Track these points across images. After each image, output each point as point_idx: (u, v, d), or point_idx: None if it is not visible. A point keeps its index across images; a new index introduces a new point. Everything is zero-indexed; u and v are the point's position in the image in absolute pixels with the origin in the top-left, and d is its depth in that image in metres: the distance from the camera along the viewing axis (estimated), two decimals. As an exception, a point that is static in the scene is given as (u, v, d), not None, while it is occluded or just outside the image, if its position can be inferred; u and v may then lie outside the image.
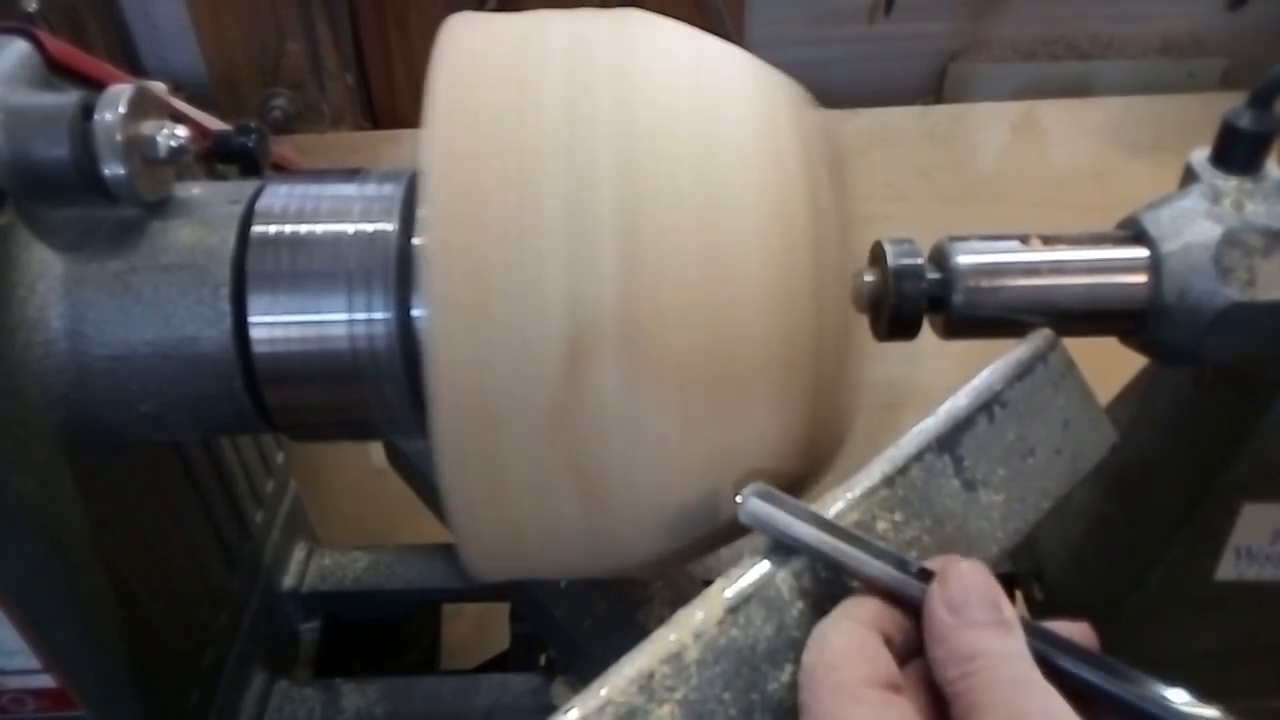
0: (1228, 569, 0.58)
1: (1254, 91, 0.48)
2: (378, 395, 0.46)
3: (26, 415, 0.44)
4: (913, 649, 0.36)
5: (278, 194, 0.48)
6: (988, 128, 1.33)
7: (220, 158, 0.58)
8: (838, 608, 0.37)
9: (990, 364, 0.45)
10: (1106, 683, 0.35)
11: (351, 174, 0.48)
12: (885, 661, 0.34)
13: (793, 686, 0.36)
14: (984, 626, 0.34)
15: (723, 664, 0.37)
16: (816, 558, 0.38)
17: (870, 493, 0.41)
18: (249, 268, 0.45)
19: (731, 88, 0.43)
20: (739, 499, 0.38)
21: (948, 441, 0.42)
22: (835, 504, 0.40)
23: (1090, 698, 0.34)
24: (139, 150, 0.45)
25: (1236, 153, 0.48)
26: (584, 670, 0.66)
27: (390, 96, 1.43)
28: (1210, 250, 0.46)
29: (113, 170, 0.43)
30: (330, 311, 0.45)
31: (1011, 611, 0.35)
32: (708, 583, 0.39)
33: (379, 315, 0.44)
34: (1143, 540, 0.60)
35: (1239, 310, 0.46)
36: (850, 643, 0.35)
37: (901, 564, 0.37)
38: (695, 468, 0.41)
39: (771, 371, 0.41)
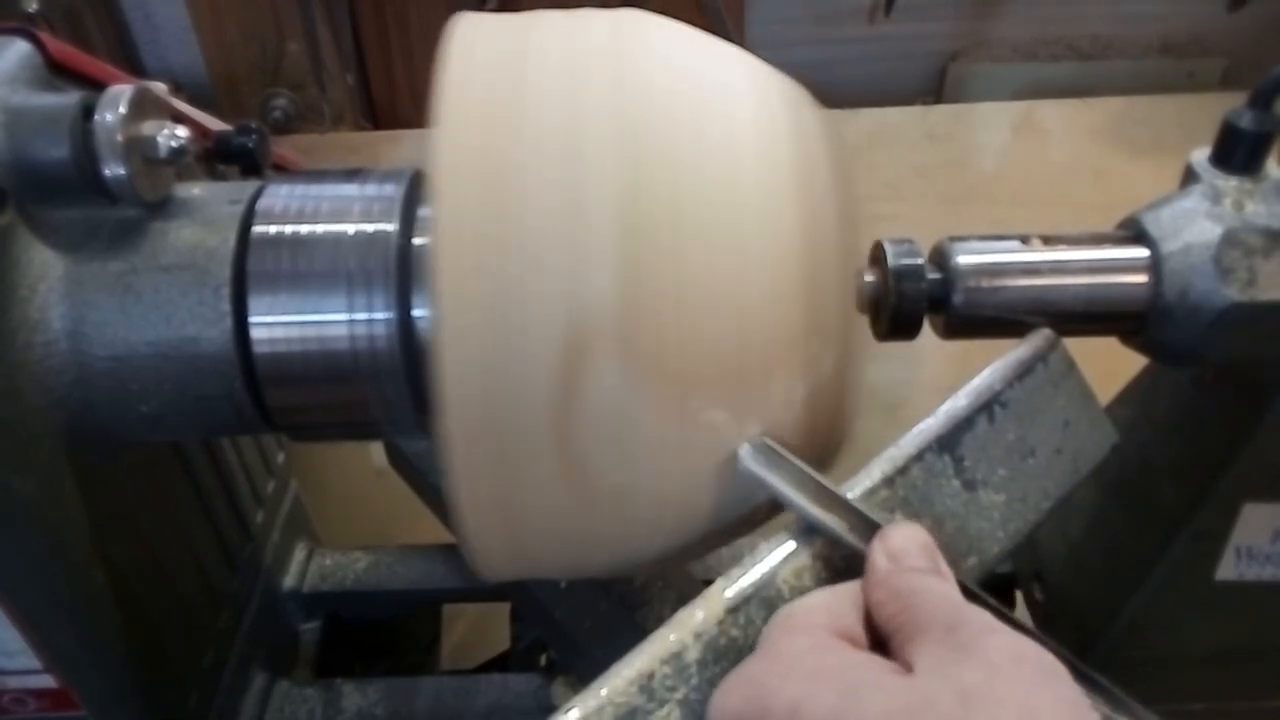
0: (1228, 569, 0.58)
1: (1254, 91, 0.48)
2: (378, 395, 0.46)
3: (27, 416, 0.44)
4: None
5: (278, 194, 0.48)
6: (988, 128, 1.33)
7: (221, 158, 0.58)
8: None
9: (990, 364, 0.45)
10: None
11: (352, 174, 0.48)
12: (850, 621, 0.35)
13: None
14: (921, 572, 0.36)
15: (723, 664, 0.37)
16: (800, 517, 0.39)
17: (871, 493, 0.41)
18: (249, 268, 0.45)
19: (731, 88, 0.43)
20: (740, 452, 0.40)
21: (948, 442, 0.42)
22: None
23: None
24: (139, 150, 0.45)
25: (1237, 153, 0.48)
26: (584, 671, 0.66)
27: (390, 96, 1.42)
28: (1210, 250, 0.46)
29: (113, 170, 0.43)
30: (331, 312, 0.45)
31: (947, 567, 0.37)
32: (708, 583, 0.39)
33: (380, 315, 0.44)
34: (1143, 540, 0.60)
35: (1239, 310, 0.46)
36: (819, 602, 0.36)
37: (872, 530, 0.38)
38: (695, 467, 0.41)
39: (772, 371, 0.41)
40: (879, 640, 0.35)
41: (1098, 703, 0.36)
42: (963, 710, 0.29)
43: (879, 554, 0.37)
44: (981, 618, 0.33)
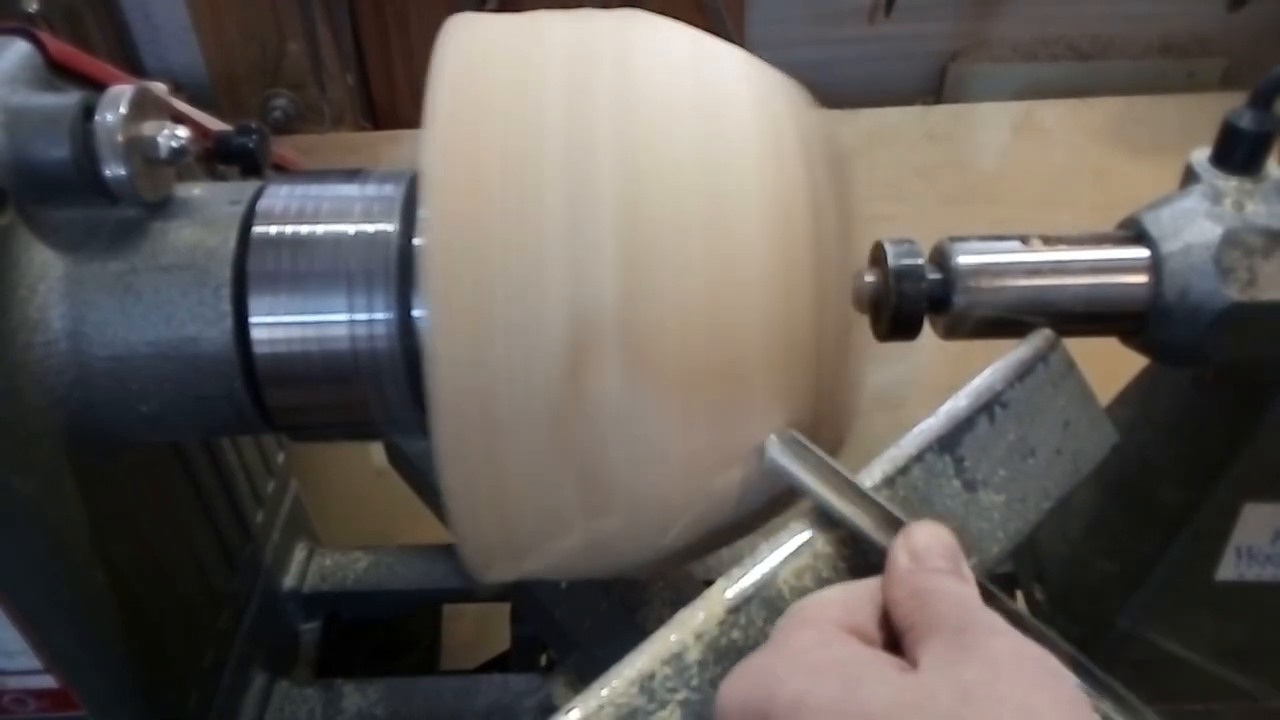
0: (1228, 569, 0.58)
1: (1254, 91, 0.48)
2: (378, 395, 0.46)
3: (27, 416, 0.44)
4: None
5: (278, 194, 0.48)
6: (988, 128, 1.33)
7: (221, 158, 0.58)
8: None
9: (990, 364, 0.45)
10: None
11: (352, 174, 0.48)
12: (863, 617, 0.35)
13: None
14: (942, 573, 0.36)
15: (724, 664, 0.37)
16: (823, 509, 0.39)
17: (871, 493, 0.41)
18: (250, 268, 0.45)
19: (731, 88, 0.43)
20: (767, 442, 0.40)
21: (948, 442, 0.42)
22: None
23: None
24: (140, 151, 0.45)
25: (1237, 153, 0.48)
26: (584, 671, 0.66)
27: (390, 96, 1.42)
28: (1211, 250, 0.46)
29: (114, 171, 0.43)
30: (331, 312, 0.45)
31: (969, 570, 0.37)
32: (708, 583, 0.39)
33: (380, 315, 0.44)
34: (1143, 540, 0.60)
35: (1239, 310, 0.46)
36: (834, 596, 0.36)
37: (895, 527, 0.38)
38: (695, 467, 0.41)
39: (772, 371, 0.41)
40: (894, 637, 0.35)
41: (1105, 704, 0.36)
42: (962, 707, 0.29)
43: (901, 552, 0.37)
44: (992, 620, 0.33)
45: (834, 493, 0.39)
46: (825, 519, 0.39)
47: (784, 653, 0.34)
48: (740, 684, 0.34)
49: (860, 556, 0.39)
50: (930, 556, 0.36)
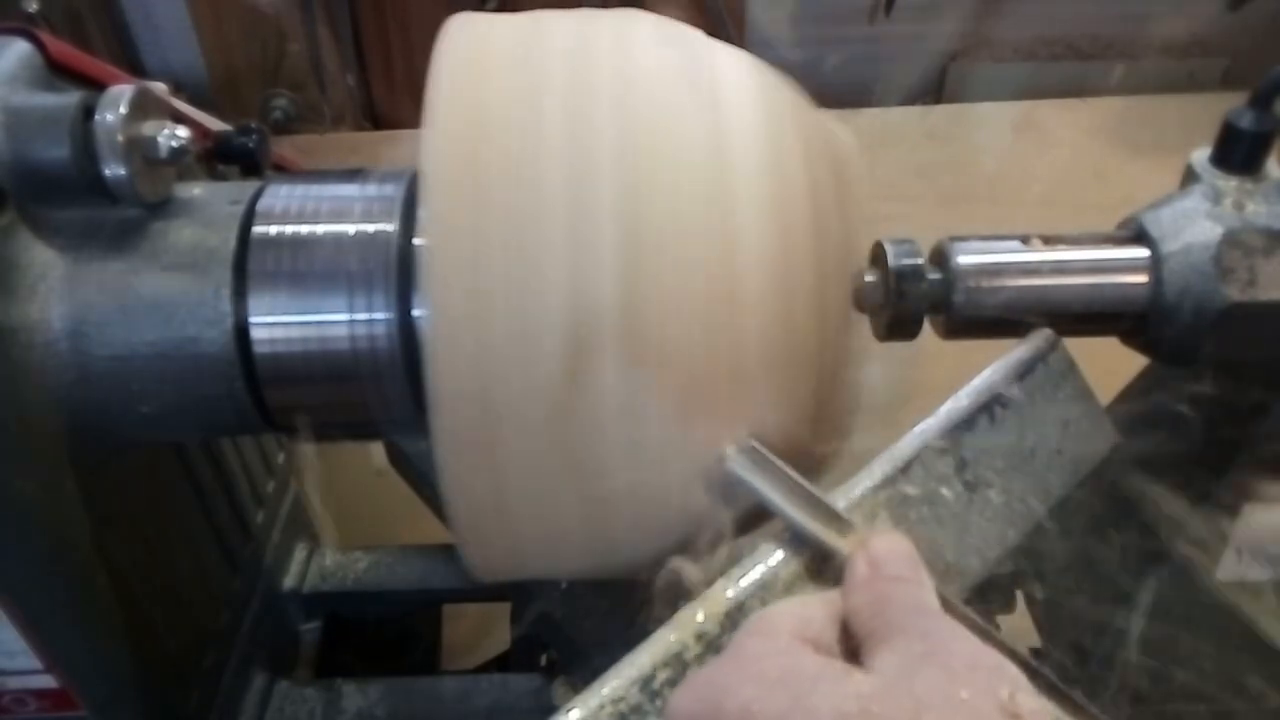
0: (1228, 569, 0.58)
1: (1254, 91, 0.48)
2: (378, 395, 0.46)
3: (28, 416, 0.44)
4: None
5: (278, 194, 0.48)
6: (988, 128, 1.33)
7: (221, 158, 0.58)
8: None
9: (990, 364, 0.45)
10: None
11: (352, 174, 0.48)
12: (819, 628, 0.35)
13: None
14: (902, 580, 0.36)
15: (723, 664, 0.37)
16: (785, 522, 0.39)
17: (871, 493, 0.41)
18: (250, 268, 0.45)
19: (731, 88, 0.43)
20: (726, 454, 0.39)
21: (948, 442, 0.42)
22: (837, 504, 0.40)
23: None
24: (140, 151, 0.45)
25: (1237, 153, 0.48)
26: (584, 670, 0.66)
27: (390, 97, 1.43)
28: (1211, 250, 0.46)
29: (114, 171, 0.43)
30: (331, 312, 0.45)
31: (928, 578, 0.37)
32: (708, 583, 0.39)
33: (380, 315, 0.44)
34: (1143, 540, 0.60)
35: (1239, 310, 0.46)
36: (794, 608, 0.36)
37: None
38: (695, 467, 0.41)
39: (772, 370, 0.41)
40: (854, 647, 0.35)
41: (1061, 711, 0.36)
42: (916, 713, 0.29)
43: (860, 561, 0.37)
44: (950, 627, 0.33)
45: (793, 504, 0.39)
46: (793, 532, 0.39)
47: (734, 663, 0.34)
48: (688, 694, 0.34)
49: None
50: (889, 564, 0.36)
